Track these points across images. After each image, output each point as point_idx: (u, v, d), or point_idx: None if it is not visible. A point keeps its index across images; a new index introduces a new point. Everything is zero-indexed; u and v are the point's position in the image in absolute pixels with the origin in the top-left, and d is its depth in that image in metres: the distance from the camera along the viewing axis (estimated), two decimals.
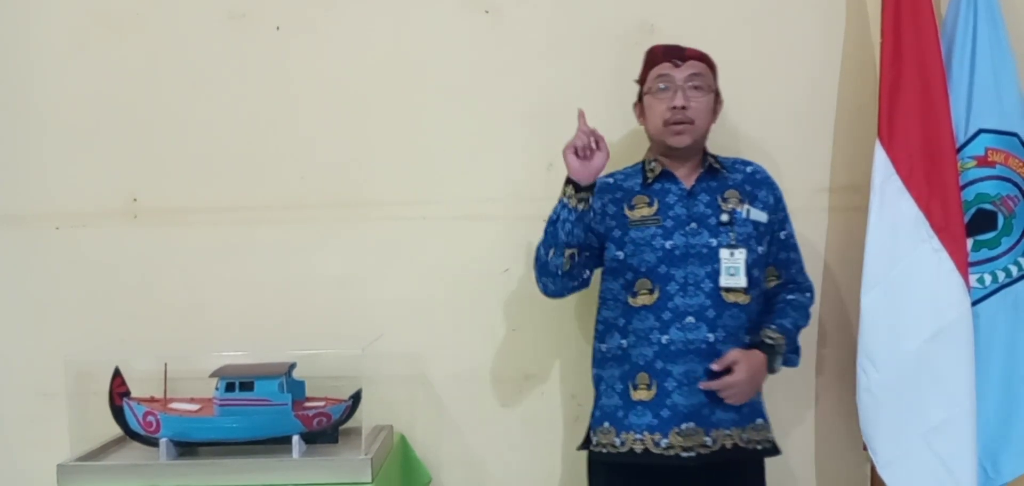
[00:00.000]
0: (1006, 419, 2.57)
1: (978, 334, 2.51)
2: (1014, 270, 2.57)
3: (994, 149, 2.55)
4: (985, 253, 2.56)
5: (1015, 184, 2.56)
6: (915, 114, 2.52)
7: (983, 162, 2.56)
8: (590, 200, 2.34)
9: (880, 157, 2.54)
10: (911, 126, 2.52)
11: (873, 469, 2.64)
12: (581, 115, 2.31)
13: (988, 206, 2.56)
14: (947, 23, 2.61)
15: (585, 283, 2.50)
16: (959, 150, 2.54)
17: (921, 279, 2.49)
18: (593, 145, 2.30)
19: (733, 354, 2.36)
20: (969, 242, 2.53)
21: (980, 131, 2.56)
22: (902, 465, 2.51)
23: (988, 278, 2.57)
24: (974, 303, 2.52)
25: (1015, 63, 2.57)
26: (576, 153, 2.30)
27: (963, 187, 2.53)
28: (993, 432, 2.56)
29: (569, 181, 2.33)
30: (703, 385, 2.35)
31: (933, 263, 2.49)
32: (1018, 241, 2.57)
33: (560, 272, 2.42)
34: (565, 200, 2.35)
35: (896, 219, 2.51)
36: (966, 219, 2.53)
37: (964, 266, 2.50)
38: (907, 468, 2.51)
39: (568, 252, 2.39)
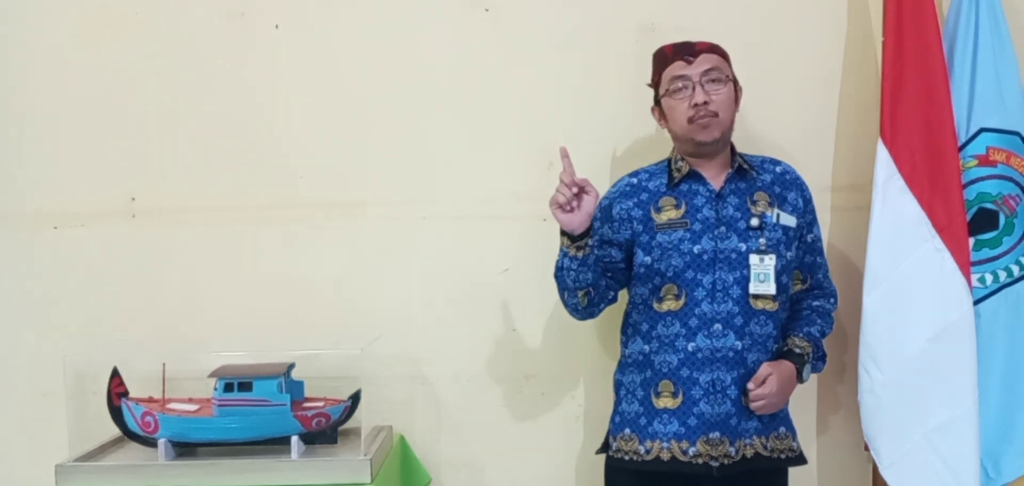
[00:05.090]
0: (1007, 419, 2.57)
1: (979, 334, 2.50)
2: (1015, 270, 2.56)
3: (996, 148, 2.55)
4: (986, 252, 2.56)
5: (1016, 183, 2.55)
6: (917, 113, 2.52)
7: (985, 161, 2.55)
8: (589, 243, 2.31)
9: (882, 156, 2.53)
10: (913, 125, 2.52)
11: (875, 469, 2.63)
12: (564, 154, 2.27)
13: (989, 205, 2.55)
14: (949, 21, 2.60)
15: (613, 300, 2.49)
16: (961, 149, 2.53)
17: (923, 279, 2.49)
18: (575, 196, 2.25)
19: (765, 368, 2.34)
20: (970, 241, 2.53)
21: (982, 130, 2.55)
22: (904, 465, 2.51)
23: (989, 277, 2.56)
24: (975, 303, 2.51)
25: (1017, 62, 2.56)
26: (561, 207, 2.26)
27: (965, 186, 2.53)
28: (994, 432, 2.56)
29: (564, 231, 2.30)
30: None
31: (935, 263, 2.48)
32: (1019, 240, 2.56)
33: (580, 307, 2.42)
34: (565, 249, 2.33)
35: (898, 218, 2.51)
36: (967, 218, 2.52)
37: (966, 266, 2.49)
38: (909, 469, 2.50)
39: (581, 292, 2.38)
